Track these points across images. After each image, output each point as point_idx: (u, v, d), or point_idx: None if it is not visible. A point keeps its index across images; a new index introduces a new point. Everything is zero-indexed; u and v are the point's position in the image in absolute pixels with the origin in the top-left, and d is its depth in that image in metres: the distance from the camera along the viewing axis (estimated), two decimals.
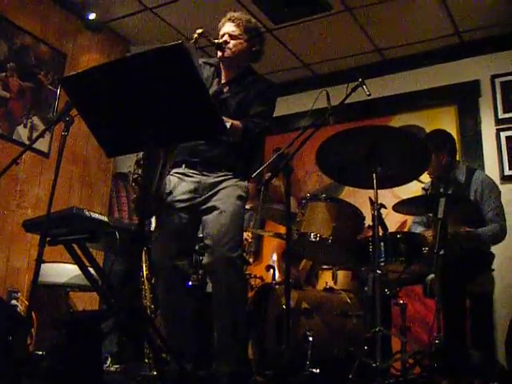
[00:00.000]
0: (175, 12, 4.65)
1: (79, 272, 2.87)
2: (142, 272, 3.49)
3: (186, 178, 2.64)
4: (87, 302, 4.35)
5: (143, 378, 2.80)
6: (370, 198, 2.69)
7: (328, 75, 5.43)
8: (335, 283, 3.53)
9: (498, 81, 4.71)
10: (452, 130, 4.68)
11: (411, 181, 3.00)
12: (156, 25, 4.84)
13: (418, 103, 5.07)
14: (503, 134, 4.58)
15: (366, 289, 3.01)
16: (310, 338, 2.86)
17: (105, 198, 4.82)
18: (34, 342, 3.55)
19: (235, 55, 2.67)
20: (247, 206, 2.85)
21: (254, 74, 2.78)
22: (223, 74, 2.76)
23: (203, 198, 2.59)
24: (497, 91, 4.70)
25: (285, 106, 5.25)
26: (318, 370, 2.71)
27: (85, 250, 2.64)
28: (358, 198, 3.99)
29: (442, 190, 3.39)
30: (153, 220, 3.10)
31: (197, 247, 3.21)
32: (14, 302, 3.80)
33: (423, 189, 3.54)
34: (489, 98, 4.74)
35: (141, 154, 2.51)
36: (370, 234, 2.91)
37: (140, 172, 2.47)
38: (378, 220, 2.65)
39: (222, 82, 2.74)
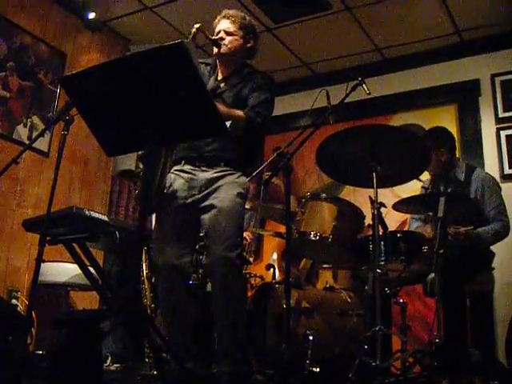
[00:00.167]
0: (175, 11, 4.65)
1: (79, 271, 2.86)
2: (142, 271, 3.50)
3: (183, 175, 2.63)
4: (87, 301, 4.35)
5: (143, 378, 2.80)
6: (370, 197, 2.68)
7: (328, 74, 5.43)
8: (335, 282, 3.53)
9: (498, 80, 4.71)
10: (452, 128, 4.67)
11: (411, 180, 3.00)
12: (156, 24, 4.84)
13: (418, 102, 5.08)
14: (503, 133, 4.58)
15: (366, 288, 3.01)
16: (310, 337, 2.87)
17: (105, 197, 4.82)
18: (34, 341, 3.55)
19: (231, 51, 2.69)
20: (247, 206, 2.85)
21: (250, 68, 2.79)
22: (220, 70, 2.78)
23: (202, 194, 2.57)
24: (497, 90, 4.70)
25: (285, 105, 5.25)
26: (318, 369, 2.71)
27: (85, 249, 2.64)
28: (358, 196, 4.00)
29: (441, 188, 3.39)
30: (153, 218, 3.10)
31: (197, 246, 3.21)
32: (14, 301, 3.80)
33: (423, 187, 3.54)
34: (489, 97, 4.74)
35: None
36: (370, 232, 2.92)
37: (142, 167, 2.47)
38: (378, 219, 2.65)
39: (219, 78, 2.76)
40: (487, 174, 3.41)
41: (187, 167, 2.64)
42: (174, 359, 2.36)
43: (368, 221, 3.10)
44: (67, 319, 2.57)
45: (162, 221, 2.64)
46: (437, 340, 2.48)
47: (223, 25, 2.72)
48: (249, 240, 4.07)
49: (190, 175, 2.62)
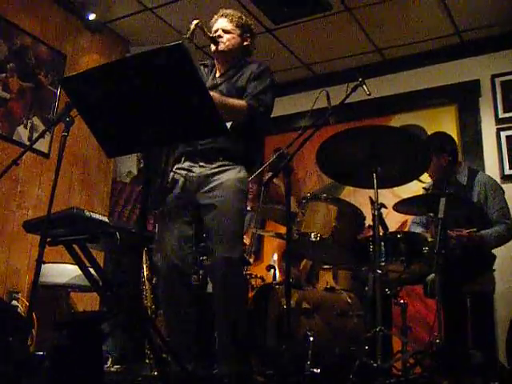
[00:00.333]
0: (175, 12, 4.65)
1: (80, 272, 2.86)
2: (143, 272, 3.49)
3: (183, 173, 2.63)
4: (88, 302, 4.35)
5: (144, 379, 2.80)
6: (371, 198, 2.68)
7: (328, 75, 5.44)
8: (336, 283, 3.53)
9: (498, 80, 4.71)
10: (452, 129, 4.69)
11: (411, 180, 3.00)
12: (156, 25, 4.84)
13: (418, 103, 5.08)
14: (503, 134, 4.59)
15: (366, 288, 3.02)
16: (311, 338, 2.86)
17: (105, 198, 4.82)
18: (34, 342, 3.55)
19: (229, 49, 2.74)
20: (248, 207, 2.85)
21: (245, 61, 2.81)
22: (217, 68, 2.82)
23: (201, 192, 2.57)
24: (497, 91, 4.70)
25: (285, 106, 5.26)
26: (318, 370, 2.71)
27: (85, 250, 2.64)
28: (359, 197, 4.00)
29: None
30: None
31: (198, 247, 3.21)
32: (14, 302, 3.80)
33: (424, 189, 3.54)
34: (489, 98, 4.74)
35: None
36: (371, 233, 2.91)
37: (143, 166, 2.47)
38: (379, 220, 2.65)
39: (217, 76, 2.79)
40: (489, 177, 3.41)
41: (186, 164, 2.64)
42: (175, 360, 2.35)
43: (368, 221, 3.10)
44: (68, 320, 2.57)
45: (163, 221, 2.64)
46: (437, 341, 2.48)
47: (221, 23, 2.78)
48: (247, 244, 4.06)
49: (188, 173, 2.62)
